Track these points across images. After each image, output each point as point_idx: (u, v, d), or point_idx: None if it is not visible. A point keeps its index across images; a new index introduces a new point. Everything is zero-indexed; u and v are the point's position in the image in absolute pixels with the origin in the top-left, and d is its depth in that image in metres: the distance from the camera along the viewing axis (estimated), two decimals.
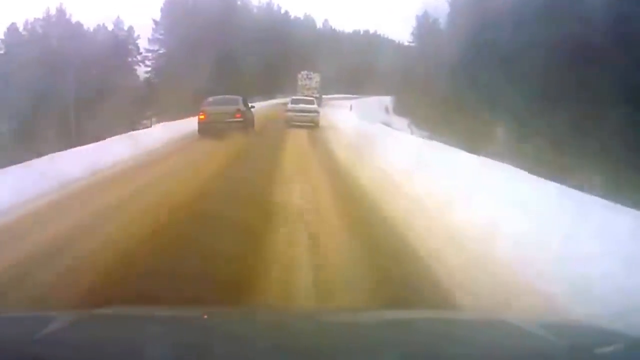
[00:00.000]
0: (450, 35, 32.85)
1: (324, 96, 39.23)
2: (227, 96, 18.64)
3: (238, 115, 16.72)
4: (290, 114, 22.03)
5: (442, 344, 1.65)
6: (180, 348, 1.56)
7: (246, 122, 17.16)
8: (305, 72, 40.28)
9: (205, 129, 16.21)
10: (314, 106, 23.05)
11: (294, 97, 25.27)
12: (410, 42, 53.70)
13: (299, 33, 61.58)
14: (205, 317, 2.00)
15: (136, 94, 41.17)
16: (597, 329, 2.06)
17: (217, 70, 40.80)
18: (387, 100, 45.85)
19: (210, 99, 18.07)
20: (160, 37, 50.21)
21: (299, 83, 39.53)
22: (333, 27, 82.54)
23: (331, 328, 1.86)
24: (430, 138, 18.13)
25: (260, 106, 23.75)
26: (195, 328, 1.79)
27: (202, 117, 16.69)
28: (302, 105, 22.71)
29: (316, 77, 40.03)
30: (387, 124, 22.88)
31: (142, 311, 2.14)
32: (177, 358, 1.51)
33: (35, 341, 1.50)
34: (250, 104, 19.24)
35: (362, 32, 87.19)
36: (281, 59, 53.67)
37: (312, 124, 21.37)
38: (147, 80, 48.53)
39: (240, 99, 18.12)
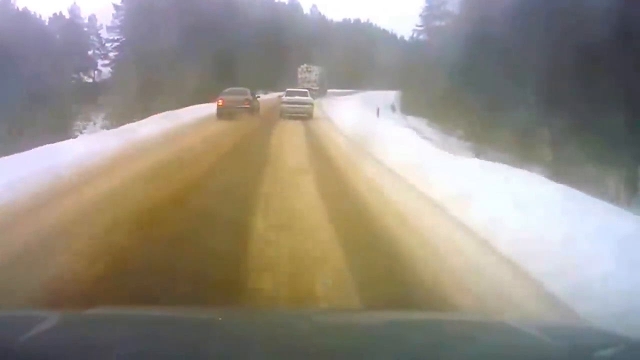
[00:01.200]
0: (469, 11, 26.43)
1: (328, 90, 39.47)
2: (238, 88, 22.97)
3: (247, 103, 21.46)
4: (284, 105, 22.80)
5: (440, 346, 1.62)
6: (171, 348, 1.53)
7: (252, 109, 21.75)
8: (305, 65, 40.43)
9: (222, 112, 20.72)
10: (308, 98, 23.64)
11: (288, 89, 25.56)
12: (418, 25, 46.52)
13: (285, 19, 54.98)
14: (198, 317, 1.96)
15: (85, 92, 34.57)
16: (596, 331, 2.10)
17: (187, 62, 33.84)
18: (391, 95, 39.39)
19: (227, 90, 22.50)
20: (121, 24, 42.97)
21: (299, 76, 39.41)
22: (322, 13, 75.95)
23: (328, 329, 1.82)
24: (477, 153, 12.73)
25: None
26: (187, 328, 1.76)
27: (220, 103, 21.34)
28: (296, 97, 23.29)
29: (316, 70, 40.19)
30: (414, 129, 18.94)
31: (133, 312, 2.10)
32: (169, 358, 1.46)
33: (23, 342, 1.46)
34: (256, 95, 24.35)
35: (352, 21, 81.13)
36: (268, 49, 47.66)
37: (306, 115, 21.94)
38: (97, 76, 41.70)
39: (248, 90, 22.92)
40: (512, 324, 1.92)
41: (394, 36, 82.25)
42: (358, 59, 57.55)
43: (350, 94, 41.07)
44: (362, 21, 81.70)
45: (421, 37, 43.67)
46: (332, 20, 76.71)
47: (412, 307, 3.58)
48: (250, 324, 1.85)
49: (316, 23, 65.70)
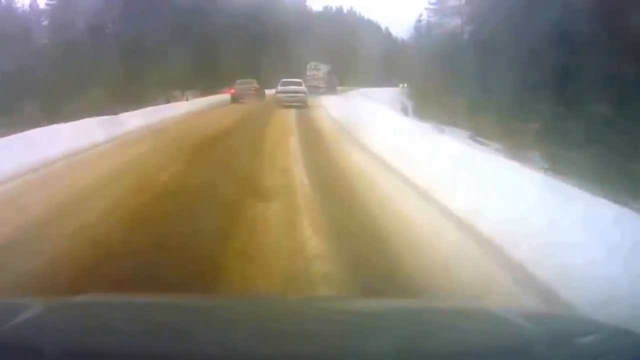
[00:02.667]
0: None
1: (338, 87, 39.53)
2: (246, 79, 29.03)
3: (253, 91, 27.90)
4: (280, 95, 24.48)
5: (422, 333, 1.63)
6: (159, 335, 1.53)
7: (259, 95, 27.94)
8: (314, 63, 40.77)
9: (235, 98, 26.81)
10: (302, 87, 25.83)
11: (283, 80, 26.18)
12: (432, 3, 38.24)
13: (264, 6, 47.92)
14: (187, 304, 1.96)
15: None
16: (578, 318, 2.22)
17: (137, 54, 25.92)
18: (392, 94, 32.56)
19: (238, 81, 28.69)
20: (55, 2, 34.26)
21: (307, 73, 39.70)
22: None
23: (314, 317, 1.82)
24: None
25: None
26: (176, 315, 1.76)
27: (233, 91, 27.83)
28: (291, 87, 25.03)
29: (324, 68, 40.55)
30: None
31: (120, 298, 2.09)
32: (155, 344, 1.45)
33: (8, 329, 1.45)
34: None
35: (334, 10, 74.30)
36: (246, 41, 40.84)
37: (301, 104, 23.21)
38: None
39: (254, 81, 29.37)
40: (494, 310, 1.96)
41: (378, 27, 75.60)
42: (344, 52, 51.55)
43: (343, 92, 36.80)
44: (344, 10, 74.76)
45: (435, 19, 34.38)
46: (311, 9, 69.54)
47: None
48: (239, 311, 1.84)
49: (297, 11, 58.12)
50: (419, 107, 27.02)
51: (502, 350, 1.47)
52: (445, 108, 23.28)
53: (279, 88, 25.01)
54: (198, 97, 28.92)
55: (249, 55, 39.53)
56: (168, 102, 23.34)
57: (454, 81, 23.25)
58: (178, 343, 1.42)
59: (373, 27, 73.39)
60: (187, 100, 27.10)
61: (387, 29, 73.36)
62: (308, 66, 40.81)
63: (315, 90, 34.36)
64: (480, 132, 17.99)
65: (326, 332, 1.58)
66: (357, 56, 48.58)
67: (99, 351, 1.35)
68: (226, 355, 1.39)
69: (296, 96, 23.84)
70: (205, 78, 29.46)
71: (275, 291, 3.60)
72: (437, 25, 29.28)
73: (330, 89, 36.87)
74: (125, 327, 1.54)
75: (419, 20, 36.35)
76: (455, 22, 27.40)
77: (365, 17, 73.04)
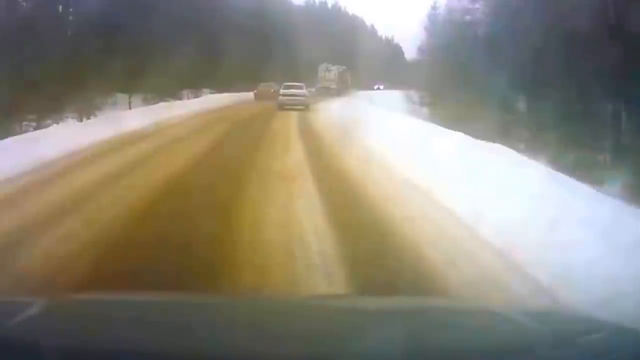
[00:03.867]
0: None
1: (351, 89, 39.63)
2: (268, 83, 33.07)
3: (272, 91, 30.36)
4: (282, 98, 25.50)
5: (425, 331, 1.61)
6: (158, 333, 1.51)
7: (276, 94, 28.05)
8: (325, 64, 40.46)
9: (257, 97, 32.23)
10: (303, 91, 26.62)
11: (285, 84, 27.26)
12: None
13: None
14: (186, 302, 1.95)
15: None
16: (580, 317, 2.16)
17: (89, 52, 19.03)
18: (399, 99, 28.25)
19: (260, 84, 33.28)
20: None
21: (319, 75, 40.23)
22: None
23: (314, 315, 1.80)
24: None
25: None
26: (173, 313, 1.75)
27: (256, 92, 32.99)
28: (292, 91, 26.18)
29: (335, 70, 40.35)
30: None
31: (119, 297, 2.07)
32: (155, 342, 1.43)
33: (10, 326, 1.43)
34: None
35: (317, 4, 68.89)
36: (225, 39, 34.34)
37: (302, 107, 24.32)
38: None
39: (273, 83, 32.14)
40: (497, 309, 1.96)
41: (364, 24, 70.10)
42: (338, 51, 46.69)
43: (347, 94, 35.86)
44: (328, 5, 69.25)
45: (461, 3, 25.49)
46: (291, 1, 63.78)
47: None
48: (240, 310, 1.83)
49: (277, 4, 51.89)
50: (434, 117, 21.01)
51: (505, 349, 1.45)
52: (474, 119, 17.04)
53: (281, 91, 26.21)
54: (148, 103, 22.53)
55: (224, 52, 33.26)
56: (87, 117, 16.45)
57: (489, 85, 17.18)
58: (177, 342, 1.41)
59: (359, 24, 68.37)
60: (130, 108, 20.86)
61: (372, 26, 68.38)
62: (320, 67, 40.97)
63: (326, 92, 35.15)
64: (562, 163, 11.81)
65: (327, 332, 1.58)
66: (351, 56, 44.49)
67: (99, 349, 1.34)
68: (226, 354, 1.37)
69: (297, 99, 25.06)
70: (161, 78, 22.74)
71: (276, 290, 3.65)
72: (464, 11, 22.44)
73: (343, 91, 36.95)
74: (125, 326, 1.54)
75: (434, 7, 29.18)
76: (490, 5, 20.82)
77: (350, 13, 68.09)
